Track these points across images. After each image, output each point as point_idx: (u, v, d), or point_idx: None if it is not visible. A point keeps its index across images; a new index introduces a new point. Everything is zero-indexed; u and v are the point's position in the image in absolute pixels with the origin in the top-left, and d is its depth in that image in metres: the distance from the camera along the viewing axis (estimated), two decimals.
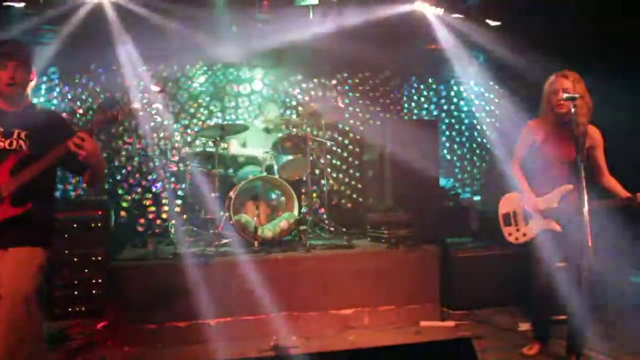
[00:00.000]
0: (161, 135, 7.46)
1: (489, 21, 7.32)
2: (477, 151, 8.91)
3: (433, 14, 7.16)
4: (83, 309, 5.65)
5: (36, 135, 3.16)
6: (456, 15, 7.29)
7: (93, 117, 3.27)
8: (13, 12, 6.23)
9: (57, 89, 7.23)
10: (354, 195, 8.15)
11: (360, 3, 6.88)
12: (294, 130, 7.42)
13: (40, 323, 3.09)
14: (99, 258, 5.75)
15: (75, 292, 5.65)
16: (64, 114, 6.56)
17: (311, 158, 6.29)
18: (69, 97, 7.26)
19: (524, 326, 5.06)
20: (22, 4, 6.12)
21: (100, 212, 5.96)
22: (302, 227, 6.01)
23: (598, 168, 4.05)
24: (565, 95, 3.67)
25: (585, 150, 3.88)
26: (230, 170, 6.52)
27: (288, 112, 7.99)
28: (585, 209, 3.36)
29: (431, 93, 8.77)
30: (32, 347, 3.00)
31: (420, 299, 5.49)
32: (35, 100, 6.89)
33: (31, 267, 3.06)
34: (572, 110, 3.58)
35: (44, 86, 7.14)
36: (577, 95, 3.61)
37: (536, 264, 4.18)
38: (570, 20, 6.45)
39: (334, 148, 8.05)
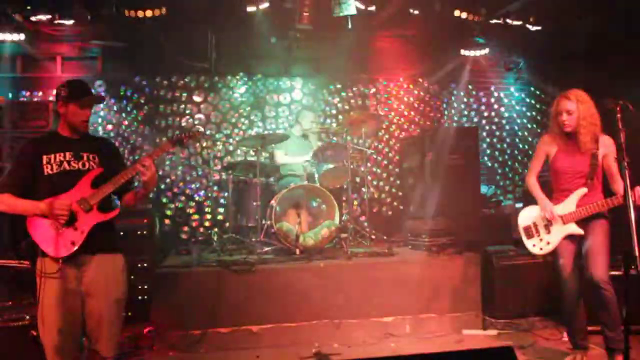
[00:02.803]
0: (204, 145, 7.61)
1: (529, 26, 7.24)
2: (519, 158, 8.80)
3: (472, 20, 7.11)
4: (129, 314, 5.75)
5: (101, 157, 3.56)
6: (496, 20, 7.23)
7: (158, 145, 3.76)
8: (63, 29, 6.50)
9: (104, 102, 7.43)
10: (395, 203, 8.15)
11: (398, 11, 6.90)
12: (335, 138, 7.48)
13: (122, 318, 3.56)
14: (145, 265, 5.87)
15: None
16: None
17: (351, 166, 6.31)
18: (115, 109, 7.47)
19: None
20: (71, 22, 6.34)
21: (145, 221, 6.10)
22: (343, 235, 6.04)
23: (610, 175, 4.14)
24: (609, 103, 3.64)
25: (600, 158, 4.13)
26: (272, 179, 6.61)
27: (328, 120, 8.04)
28: (633, 216, 3.34)
29: (471, 100, 8.70)
30: (118, 340, 3.51)
31: (462, 307, 5.46)
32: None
33: (119, 273, 3.49)
34: (618, 116, 3.58)
35: None
36: (621, 103, 3.58)
37: (561, 272, 4.28)
38: (613, 24, 6.32)
39: (374, 156, 8.07)
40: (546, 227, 4.32)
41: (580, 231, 4.17)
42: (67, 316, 3.27)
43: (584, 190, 4.14)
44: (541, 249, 4.34)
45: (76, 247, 3.30)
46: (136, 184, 3.75)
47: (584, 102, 4.14)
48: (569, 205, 4.19)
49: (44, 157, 3.41)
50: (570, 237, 4.24)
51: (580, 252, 4.20)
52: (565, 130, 4.18)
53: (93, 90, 7.01)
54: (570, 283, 4.25)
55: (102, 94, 7.42)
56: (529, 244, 4.42)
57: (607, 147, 4.12)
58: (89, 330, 3.38)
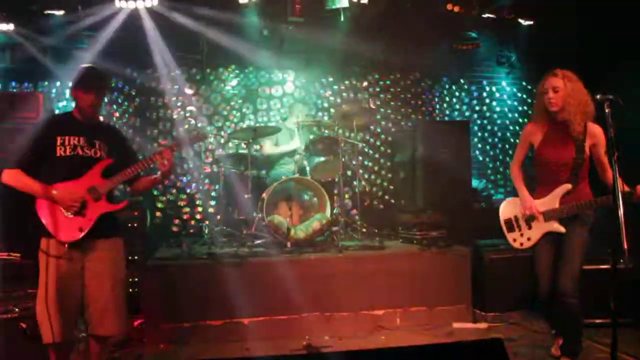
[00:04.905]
0: None
1: (521, 20, 7.24)
2: (510, 152, 8.81)
3: (465, 13, 7.10)
4: None
5: (111, 145, 3.68)
6: (488, 14, 7.24)
7: (176, 139, 3.79)
8: (54, 20, 6.42)
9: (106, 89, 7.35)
10: (386, 197, 8.16)
11: (390, 4, 6.90)
12: (326, 131, 7.47)
13: (125, 298, 3.69)
14: (136, 257, 5.88)
15: None
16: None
17: (343, 159, 6.30)
18: (106, 100, 7.40)
19: None
20: (61, 12, 6.28)
21: (136, 213, 6.10)
22: (334, 228, 6.05)
23: (601, 165, 3.97)
24: (599, 96, 3.61)
25: (588, 148, 3.94)
26: (263, 172, 6.60)
27: (320, 113, 8.03)
28: (621, 210, 3.33)
29: (463, 94, 8.70)
30: (125, 318, 3.68)
31: (452, 300, 5.48)
32: (74, 104, 7.16)
33: (121, 256, 3.69)
34: (607, 111, 3.52)
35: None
36: (611, 97, 3.55)
37: (538, 276, 4.17)
38: (604, 18, 6.33)
39: (366, 149, 8.07)
40: (527, 221, 4.19)
41: (562, 229, 4.00)
42: (67, 297, 3.39)
43: (567, 186, 3.97)
44: (521, 244, 4.22)
45: (83, 233, 3.44)
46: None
47: (572, 80, 3.95)
48: (552, 201, 4.03)
49: (58, 138, 3.49)
50: (550, 235, 4.09)
51: (559, 252, 4.05)
52: (551, 109, 3.96)
53: None
54: (546, 288, 4.12)
55: None
56: (509, 237, 4.32)
57: (595, 136, 3.94)
58: (94, 313, 3.49)
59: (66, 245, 3.40)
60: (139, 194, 3.90)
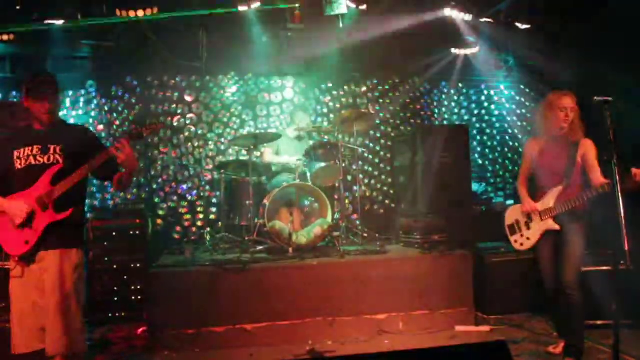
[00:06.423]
0: (196, 144, 7.60)
1: (518, 24, 7.28)
2: (509, 155, 8.86)
3: (462, 19, 7.15)
4: (123, 314, 5.82)
5: (69, 149, 3.53)
6: (485, 19, 7.28)
7: (133, 130, 3.65)
8: (54, 29, 6.44)
9: (95, 101, 7.41)
10: (387, 201, 8.18)
11: (389, 10, 6.93)
12: (326, 137, 7.49)
13: (79, 315, 3.44)
14: (138, 265, 5.92)
15: (115, 298, 5.84)
16: (90, 128, 6.90)
17: (343, 165, 6.32)
18: (106, 109, 7.44)
19: None
20: (61, 22, 6.30)
21: (138, 221, 6.14)
22: (336, 233, 6.06)
23: (591, 169, 4.23)
24: (597, 99, 3.68)
25: (579, 158, 4.27)
26: (264, 178, 6.62)
27: (319, 119, 8.06)
28: (622, 212, 3.38)
29: (462, 98, 8.74)
30: (72, 335, 3.34)
31: (454, 303, 5.49)
32: (74, 113, 7.20)
33: (69, 268, 3.42)
34: (607, 113, 3.63)
35: (82, 99, 7.34)
36: (610, 99, 3.63)
37: (541, 274, 4.53)
38: (601, 22, 6.37)
39: (366, 154, 8.09)
40: (526, 224, 4.54)
41: (556, 226, 4.32)
42: (29, 310, 3.36)
43: (560, 187, 4.29)
44: (522, 244, 4.57)
45: (30, 246, 3.37)
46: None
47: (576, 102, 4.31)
48: (547, 201, 4.36)
49: (15, 152, 3.47)
50: (548, 236, 4.39)
51: (558, 251, 4.35)
52: (563, 125, 4.27)
53: (83, 90, 7.22)
54: (550, 284, 4.45)
55: (93, 93, 7.40)
56: (512, 240, 4.67)
57: (585, 147, 4.27)
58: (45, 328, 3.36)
59: (17, 259, 3.37)
60: (123, 190, 3.73)
